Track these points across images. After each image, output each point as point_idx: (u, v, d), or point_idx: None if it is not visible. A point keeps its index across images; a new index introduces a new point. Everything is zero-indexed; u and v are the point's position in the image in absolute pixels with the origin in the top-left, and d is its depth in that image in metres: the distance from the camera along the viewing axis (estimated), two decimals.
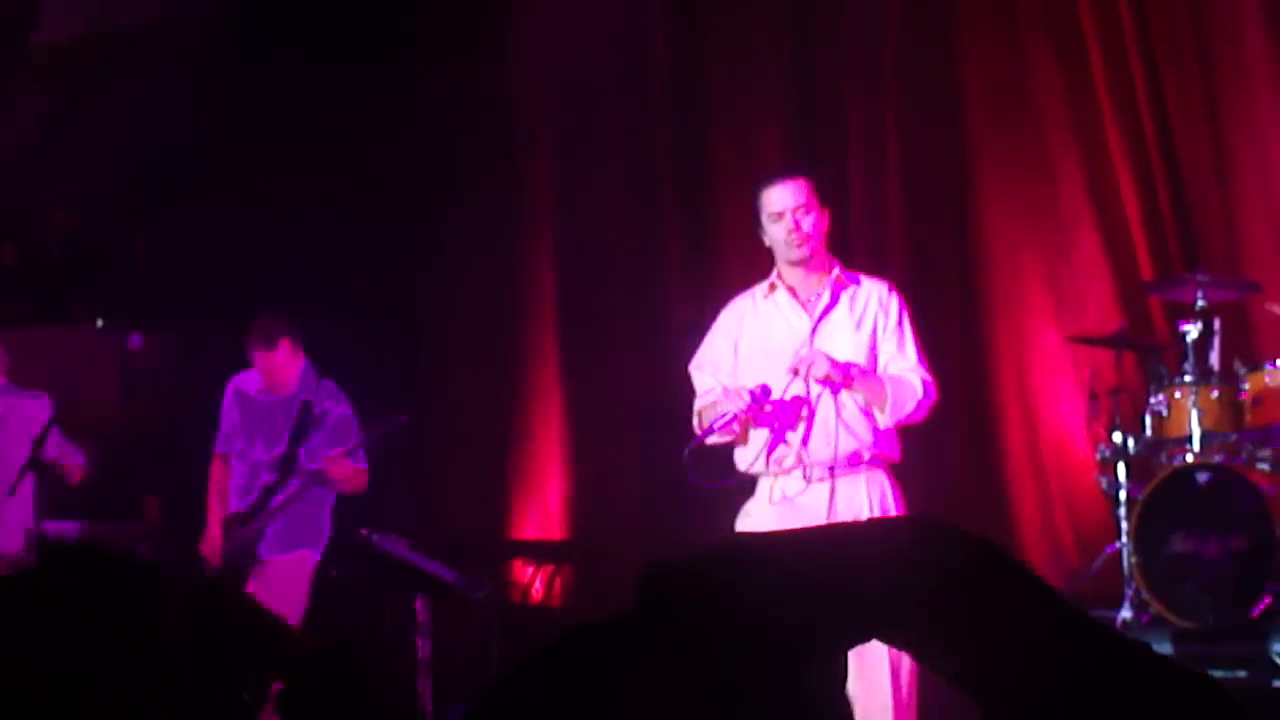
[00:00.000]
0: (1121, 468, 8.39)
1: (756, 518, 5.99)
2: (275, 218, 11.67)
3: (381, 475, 7.86)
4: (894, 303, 6.11)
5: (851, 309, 6.06)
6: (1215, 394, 7.94)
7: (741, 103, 11.17)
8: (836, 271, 6.15)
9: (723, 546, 1.21)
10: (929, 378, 6.02)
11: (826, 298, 6.07)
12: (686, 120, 11.39)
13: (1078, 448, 9.65)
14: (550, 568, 11.33)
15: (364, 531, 6.64)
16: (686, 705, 1.16)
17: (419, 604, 6.67)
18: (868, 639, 1.27)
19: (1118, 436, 8.32)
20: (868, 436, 5.90)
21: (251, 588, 7.65)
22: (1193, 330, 8.03)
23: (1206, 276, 8.16)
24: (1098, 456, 8.67)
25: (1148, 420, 8.21)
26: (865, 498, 5.87)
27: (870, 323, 6.04)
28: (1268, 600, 7.35)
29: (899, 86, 10.52)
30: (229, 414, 8.20)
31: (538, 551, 11.49)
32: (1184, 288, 8.24)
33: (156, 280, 12.59)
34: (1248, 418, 7.86)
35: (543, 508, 11.63)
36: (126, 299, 12.43)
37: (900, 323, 6.07)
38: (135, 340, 7.98)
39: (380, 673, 6.98)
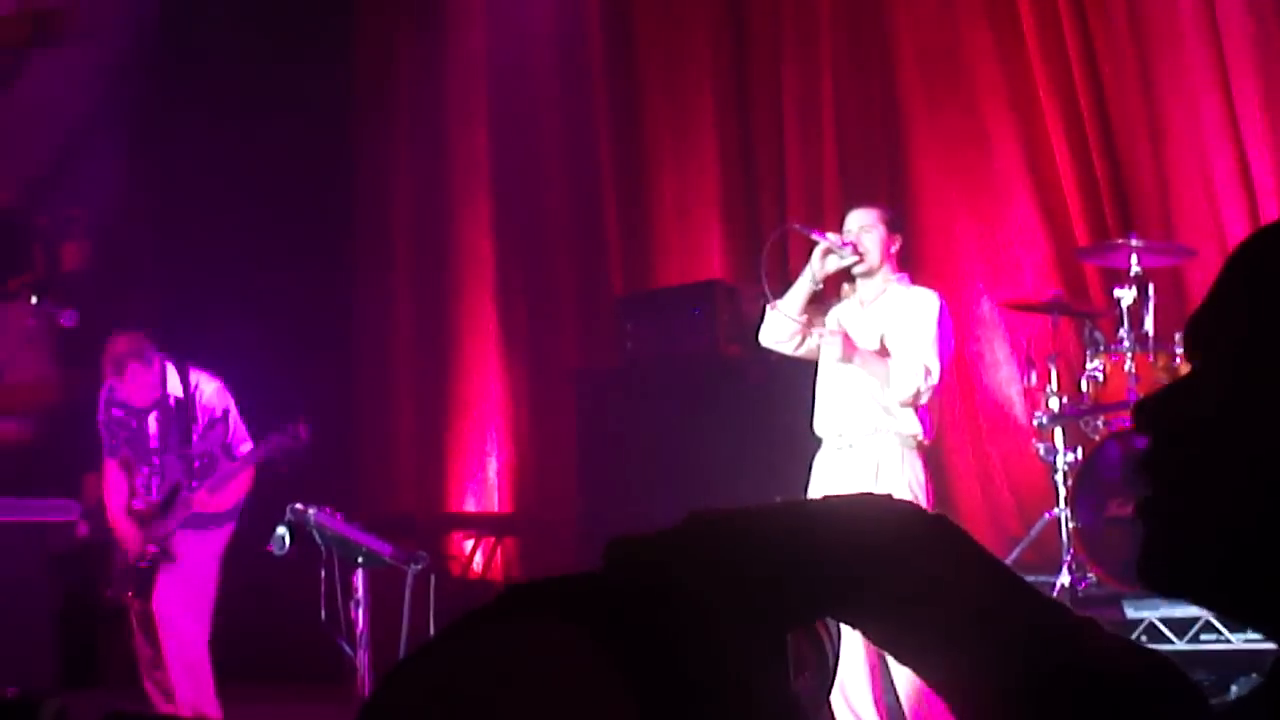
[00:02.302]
0: (1059, 434, 8.40)
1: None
2: (208, 193, 11.59)
3: (320, 449, 7.83)
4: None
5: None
6: (1151, 359, 7.97)
7: (676, 71, 11.16)
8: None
9: (685, 521, 1.19)
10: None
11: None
12: (622, 88, 11.38)
13: (1015, 414, 9.68)
14: (490, 541, 11.31)
15: (299, 506, 6.60)
16: (634, 673, 1.12)
17: (355, 578, 6.65)
18: (821, 616, 1.25)
19: (1055, 403, 8.33)
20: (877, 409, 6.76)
21: (165, 567, 7.73)
22: (1128, 296, 8.04)
23: (1141, 242, 8.18)
24: (1035, 423, 8.68)
25: (1084, 386, 8.23)
26: (874, 466, 6.71)
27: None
28: None
29: (833, 54, 10.53)
30: (106, 420, 8.22)
31: (477, 525, 11.47)
32: (1118, 253, 8.26)
33: (90, 257, 12.51)
34: None
35: (482, 481, 11.61)
36: (60, 276, 12.34)
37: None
38: (69, 317, 7.89)
39: (319, 647, 6.95)
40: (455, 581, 10.84)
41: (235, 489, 7.99)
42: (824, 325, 6.99)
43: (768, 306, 7.08)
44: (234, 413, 8.02)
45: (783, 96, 10.71)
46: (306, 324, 11.09)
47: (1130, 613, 7.46)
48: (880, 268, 6.96)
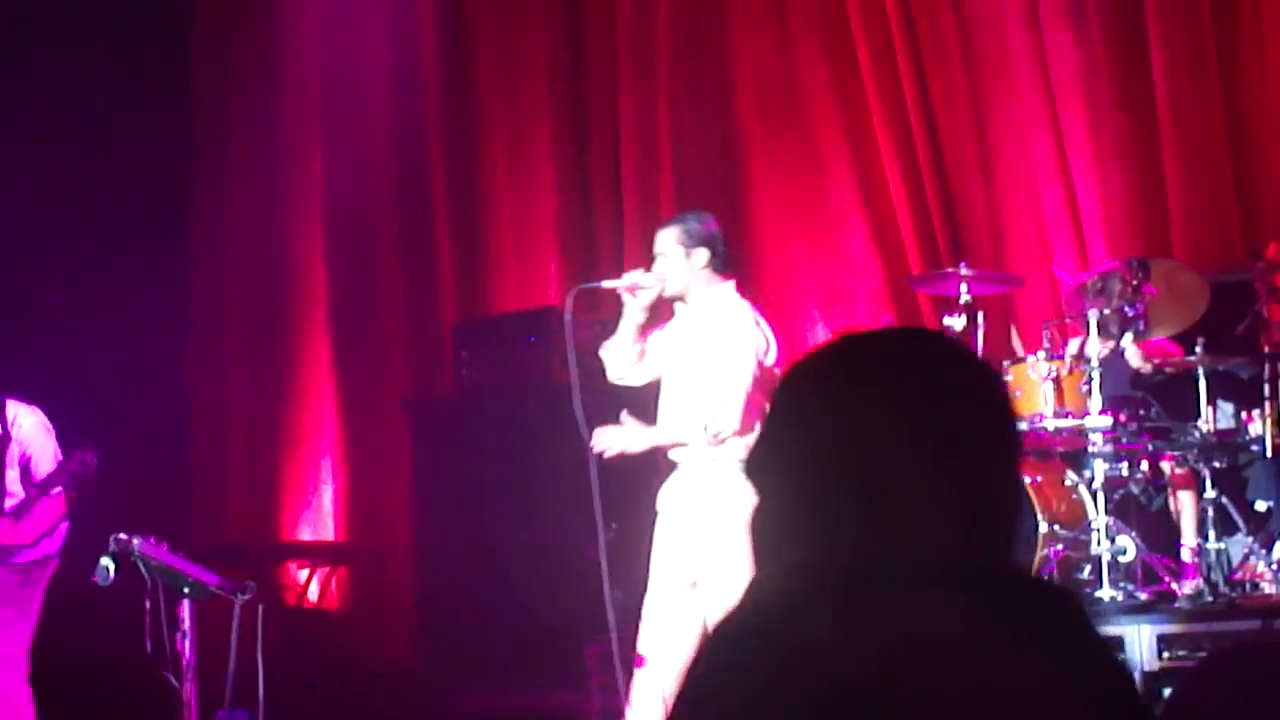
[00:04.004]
0: None
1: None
2: (36, 229, 11.37)
3: (150, 478, 7.71)
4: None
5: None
6: None
7: (513, 99, 11.15)
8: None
9: None
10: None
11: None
12: (458, 116, 11.35)
13: None
14: (325, 569, 11.20)
15: (123, 535, 6.46)
16: None
17: (181, 609, 6.53)
18: None
19: None
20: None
21: None
22: (957, 323, 8.13)
23: (971, 271, 8.28)
24: None
25: None
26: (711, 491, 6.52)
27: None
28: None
29: (670, 83, 10.58)
30: None
31: (311, 554, 11.36)
32: (949, 281, 8.35)
33: None
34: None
35: (316, 510, 11.50)
36: None
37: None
38: None
39: (144, 679, 6.83)
40: (289, 611, 10.71)
41: (39, 519, 7.75)
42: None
43: (600, 350, 6.95)
44: (53, 447, 7.81)
45: (620, 124, 10.74)
46: (137, 352, 10.91)
47: None
48: (687, 287, 6.81)
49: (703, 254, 6.76)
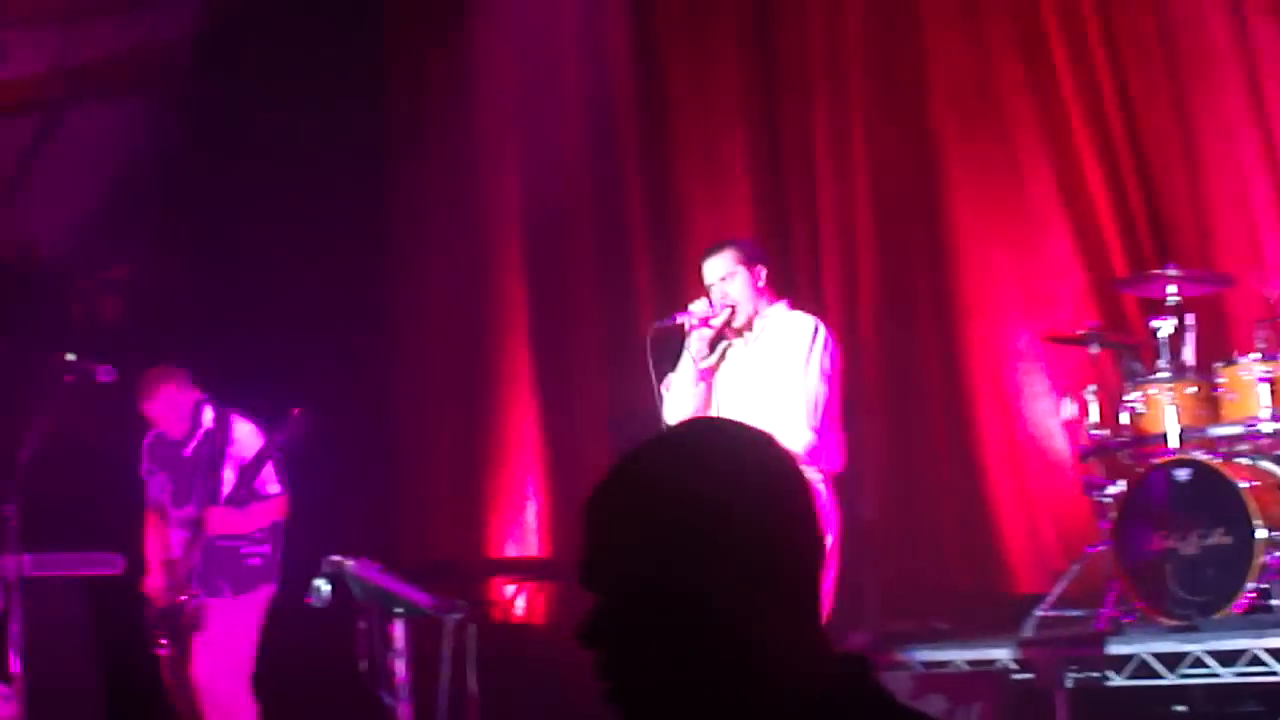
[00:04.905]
0: (1101, 466, 8.33)
1: None
2: (244, 245, 11.61)
3: (356, 498, 7.82)
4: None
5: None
6: (1191, 389, 7.88)
7: (706, 109, 11.15)
8: None
9: None
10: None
11: None
12: (651, 128, 11.37)
13: (1057, 447, 9.60)
14: (531, 586, 11.28)
15: (336, 557, 6.57)
16: None
17: (394, 628, 6.62)
18: None
19: (1095, 435, 8.26)
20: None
21: (199, 633, 7.92)
22: (1166, 326, 7.97)
23: (1178, 271, 8.11)
24: (1077, 455, 8.62)
25: (1125, 418, 8.15)
26: None
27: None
28: (1250, 596, 7.29)
29: (865, 88, 10.49)
30: (147, 467, 8.49)
31: (517, 570, 11.44)
32: (1155, 283, 8.19)
33: (128, 311, 12.55)
34: (1224, 412, 7.80)
35: (521, 526, 11.58)
36: (97, 331, 12.38)
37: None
38: (106, 372, 7.92)
39: (360, 698, 6.92)
40: (496, 628, 10.80)
41: (256, 513, 8.06)
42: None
43: (661, 389, 6.93)
44: (266, 456, 8.08)
45: (815, 134, 10.67)
46: (343, 374, 11.08)
47: (1177, 646, 7.37)
48: (756, 308, 6.84)
49: (763, 272, 6.84)
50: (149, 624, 8.11)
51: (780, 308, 6.90)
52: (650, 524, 1.82)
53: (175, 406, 8.26)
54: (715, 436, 1.91)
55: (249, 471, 7.97)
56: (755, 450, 1.87)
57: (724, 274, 6.80)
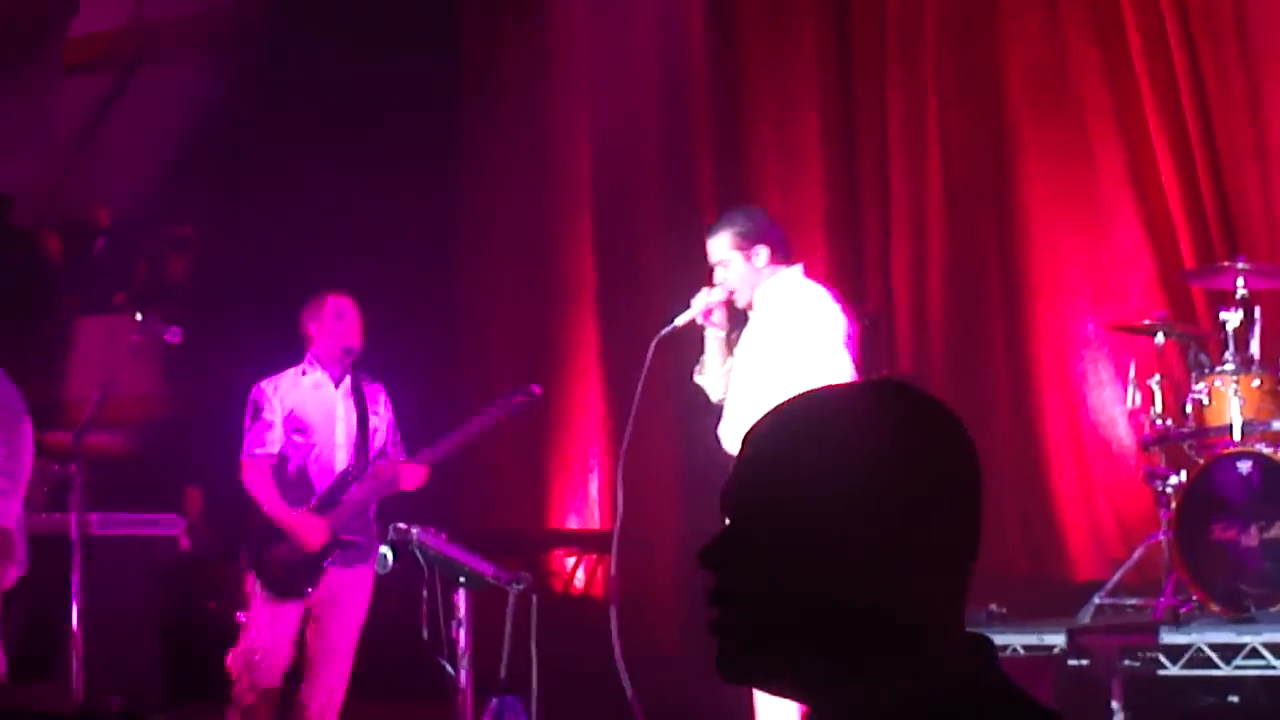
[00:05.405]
0: (1163, 456, 8.35)
1: None
2: (313, 207, 11.68)
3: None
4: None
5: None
6: (1256, 383, 7.88)
7: (780, 91, 11.14)
8: None
9: None
10: None
11: None
12: (725, 109, 11.37)
13: (1120, 436, 9.61)
14: (592, 558, 11.34)
15: (402, 525, 6.62)
16: None
17: (458, 597, 6.67)
18: None
19: (1159, 425, 8.27)
20: None
21: (319, 598, 7.51)
22: (1233, 318, 7.97)
23: (1247, 264, 8.10)
24: (1140, 445, 8.63)
25: (1189, 409, 8.16)
26: None
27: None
28: None
29: (938, 71, 10.48)
30: (267, 413, 7.82)
31: (579, 542, 11.50)
32: (1224, 275, 8.19)
33: (195, 272, 12.65)
34: None
35: (583, 498, 11.63)
36: (165, 290, 12.49)
37: None
38: (173, 333, 7.89)
39: (421, 665, 6.99)
40: (557, 598, 10.87)
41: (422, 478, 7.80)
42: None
43: (695, 378, 6.97)
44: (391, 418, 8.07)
45: (888, 115, 10.66)
46: (408, 340, 11.15)
47: (1234, 636, 7.38)
48: (756, 289, 6.64)
49: (763, 252, 6.61)
50: (283, 573, 7.51)
51: (783, 277, 6.68)
52: (802, 463, 1.75)
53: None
54: (893, 398, 1.83)
55: (386, 432, 7.97)
56: (931, 413, 1.84)
57: (720, 259, 6.68)
